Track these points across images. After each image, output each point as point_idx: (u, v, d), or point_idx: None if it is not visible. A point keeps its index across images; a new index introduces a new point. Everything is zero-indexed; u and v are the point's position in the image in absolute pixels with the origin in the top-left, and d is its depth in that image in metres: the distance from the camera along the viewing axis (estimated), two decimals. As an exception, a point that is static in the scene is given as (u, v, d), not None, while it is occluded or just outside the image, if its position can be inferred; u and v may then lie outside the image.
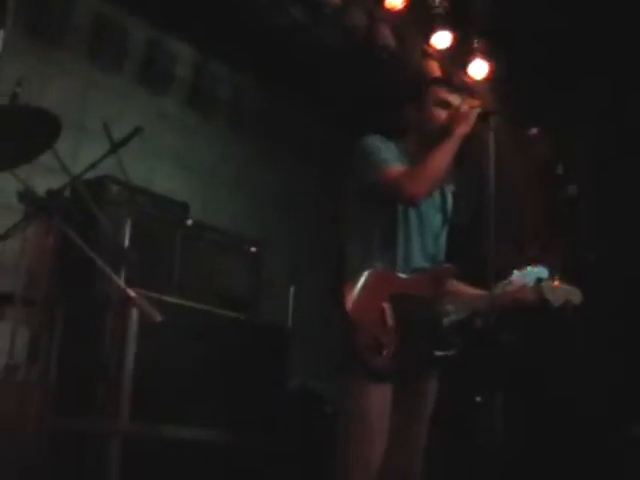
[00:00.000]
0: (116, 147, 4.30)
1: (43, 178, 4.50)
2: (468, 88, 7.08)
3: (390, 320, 3.54)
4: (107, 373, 4.60)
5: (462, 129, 3.71)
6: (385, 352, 3.49)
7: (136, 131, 4.21)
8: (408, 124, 3.95)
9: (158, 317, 3.41)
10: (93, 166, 4.16)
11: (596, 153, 7.83)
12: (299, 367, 5.91)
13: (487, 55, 7.24)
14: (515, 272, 3.78)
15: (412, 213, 3.78)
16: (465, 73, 7.28)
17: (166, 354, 4.87)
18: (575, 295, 3.80)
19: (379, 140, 3.81)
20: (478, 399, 6.71)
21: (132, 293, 3.43)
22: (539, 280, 3.76)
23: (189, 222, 5.58)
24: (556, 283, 3.78)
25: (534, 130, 7.90)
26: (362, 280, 3.60)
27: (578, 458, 6.81)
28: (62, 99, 5.97)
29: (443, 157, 3.69)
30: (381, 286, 3.62)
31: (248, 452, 5.26)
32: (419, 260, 3.77)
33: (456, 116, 3.79)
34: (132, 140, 4.18)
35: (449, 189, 4.02)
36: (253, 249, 6.03)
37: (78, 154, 5.77)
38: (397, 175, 3.65)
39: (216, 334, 5.25)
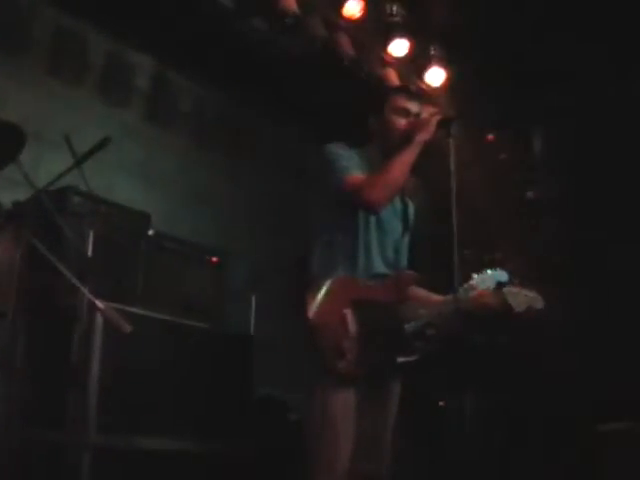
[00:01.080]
0: (84, 158, 4.30)
1: (6, 190, 4.50)
2: (427, 95, 7.16)
3: (352, 326, 3.58)
4: (74, 384, 4.58)
5: (422, 136, 3.75)
6: (348, 357, 3.53)
7: (104, 142, 4.21)
8: (369, 132, 3.99)
9: (127, 328, 3.41)
10: (59, 177, 4.17)
11: (557, 156, 7.92)
12: (263, 375, 5.92)
13: (444, 62, 7.32)
14: (475, 276, 3.81)
15: (373, 220, 3.82)
16: (423, 81, 7.35)
17: (132, 365, 4.86)
18: (537, 301, 3.84)
19: (341, 148, 3.85)
20: (441, 404, 6.76)
21: (99, 304, 3.43)
22: (499, 284, 3.80)
23: (151, 232, 5.57)
24: (518, 288, 3.83)
25: (490, 136, 7.98)
26: (325, 287, 3.63)
27: (544, 459, 6.89)
28: (22, 111, 5.95)
29: (403, 164, 3.72)
30: (343, 293, 3.65)
31: (214, 461, 5.26)
32: (380, 267, 3.81)
33: (416, 123, 3.84)
34: (98, 151, 4.19)
35: (410, 197, 4.06)
36: (215, 258, 6.04)
37: (39, 166, 5.76)
38: (358, 182, 3.69)
39: (181, 344, 5.25)
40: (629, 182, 7.27)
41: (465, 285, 3.77)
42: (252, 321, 6.12)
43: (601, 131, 7.42)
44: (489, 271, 3.83)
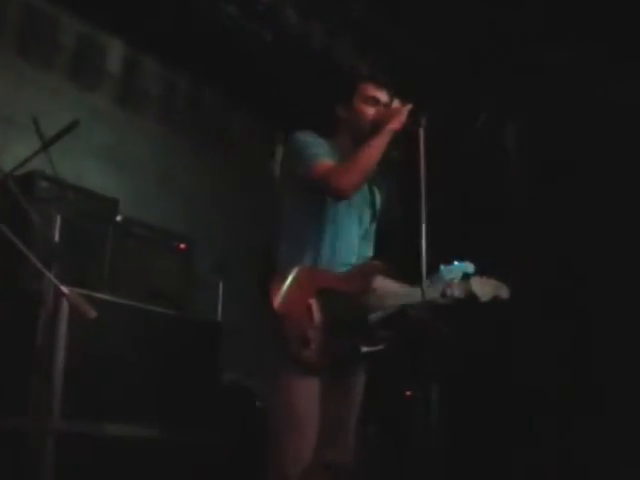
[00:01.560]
0: (50, 142, 4.26)
1: (-28, 173, 4.45)
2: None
3: (317, 315, 3.58)
4: (38, 370, 4.56)
5: (392, 125, 3.75)
6: (312, 347, 3.53)
7: (72, 125, 4.18)
8: (338, 121, 3.99)
9: (93, 314, 3.39)
10: (26, 161, 4.13)
11: (525, 148, 7.97)
12: (230, 362, 5.92)
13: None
14: (442, 267, 3.82)
15: (342, 209, 3.81)
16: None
17: (98, 351, 4.84)
18: (503, 290, 3.86)
19: (310, 135, 3.84)
20: (409, 393, 6.79)
21: (65, 289, 3.41)
22: (466, 275, 3.81)
23: (119, 218, 5.55)
24: (484, 278, 3.84)
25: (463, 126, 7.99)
26: (290, 276, 3.63)
27: (512, 448, 6.95)
28: (-10, 93, 5.92)
29: (372, 152, 3.72)
30: (309, 282, 3.66)
31: (181, 448, 5.26)
32: (347, 256, 3.81)
33: (385, 113, 3.83)
34: (66, 134, 4.15)
35: (378, 186, 4.06)
36: (183, 245, 6.02)
37: (6, 149, 5.73)
38: (327, 169, 3.68)
39: (147, 330, 5.23)
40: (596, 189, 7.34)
41: (432, 276, 3.77)
42: (219, 308, 6.12)
43: (572, 131, 7.48)
44: (456, 262, 3.84)
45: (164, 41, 6.94)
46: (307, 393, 3.57)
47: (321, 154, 3.74)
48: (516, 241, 7.53)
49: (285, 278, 3.62)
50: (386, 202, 4.13)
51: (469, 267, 3.81)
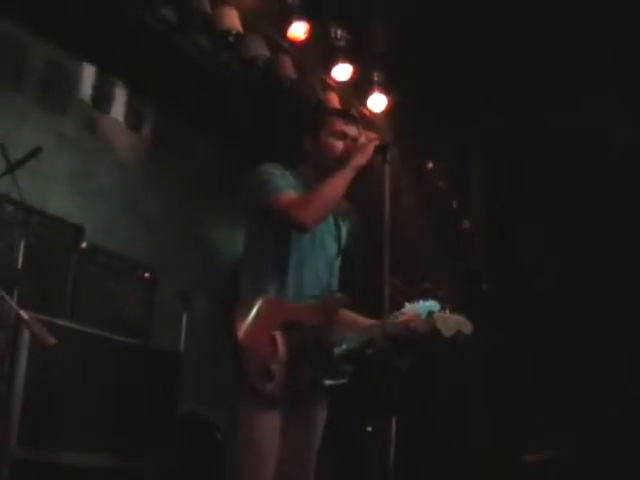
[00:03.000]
0: (15, 166, 4.26)
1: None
2: (366, 120, 7.20)
3: (281, 348, 3.57)
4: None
5: (358, 160, 3.76)
6: (276, 380, 3.52)
7: (35, 151, 4.17)
8: (305, 154, 3.99)
9: (51, 340, 3.37)
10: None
11: (488, 187, 8.05)
12: (191, 393, 5.89)
13: (386, 89, 7.38)
14: (407, 304, 3.82)
15: (306, 241, 3.81)
16: (364, 106, 7.40)
17: (57, 378, 4.80)
18: (466, 326, 3.86)
19: (275, 168, 3.84)
20: (369, 429, 6.77)
21: (25, 315, 3.38)
22: (431, 313, 3.81)
23: (84, 245, 5.52)
24: (447, 314, 3.85)
25: (429, 164, 8.06)
26: (254, 308, 3.62)
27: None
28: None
29: (336, 185, 3.72)
30: (273, 314, 3.64)
31: (136, 478, 5.22)
32: (312, 288, 3.80)
33: (353, 147, 3.84)
34: (29, 160, 4.14)
35: (344, 220, 4.07)
36: (147, 274, 6.00)
37: (-28, 172, 5.69)
38: (288, 201, 3.67)
39: (108, 359, 5.20)
40: (560, 211, 7.44)
41: (397, 312, 3.77)
42: (182, 339, 6.09)
43: (534, 161, 7.58)
44: (421, 301, 3.84)
45: (133, 69, 6.95)
46: (267, 426, 3.54)
47: (284, 186, 3.74)
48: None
49: (249, 309, 3.60)
50: (351, 236, 4.13)
51: (434, 306, 3.82)
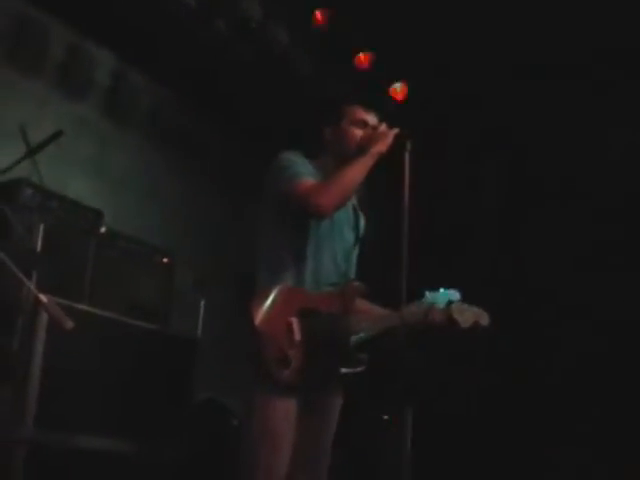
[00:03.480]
0: (35, 150, 4.27)
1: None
2: (387, 109, 7.18)
3: (297, 334, 3.58)
4: (14, 378, 4.53)
5: (377, 148, 3.75)
6: (292, 366, 3.52)
7: (56, 135, 4.18)
8: (325, 143, 4.00)
9: (69, 324, 3.37)
10: (10, 169, 4.13)
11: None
12: (207, 378, 5.90)
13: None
14: (427, 293, 3.82)
15: (324, 229, 3.81)
16: (386, 94, 7.38)
17: (75, 362, 4.82)
18: (483, 317, 3.86)
19: (295, 155, 3.84)
20: (386, 417, 6.78)
21: (44, 298, 3.39)
22: (450, 302, 3.80)
23: (102, 230, 5.54)
24: (465, 305, 3.84)
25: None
26: (272, 295, 3.62)
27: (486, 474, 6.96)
28: (-22, 100, 5.91)
29: (354, 172, 3.72)
30: (290, 301, 3.64)
31: (151, 462, 5.24)
32: (329, 276, 3.80)
33: (373, 135, 3.84)
34: (50, 144, 4.15)
35: (362, 209, 4.07)
36: (165, 259, 6.01)
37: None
38: (308, 187, 3.68)
39: (126, 343, 5.22)
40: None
41: (415, 302, 3.77)
42: (200, 324, 6.11)
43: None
44: (441, 289, 3.84)
45: (153, 55, 6.96)
46: (283, 412, 3.55)
47: (304, 173, 3.74)
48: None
49: (266, 296, 3.61)
50: (370, 225, 4.13)
51: (454, 295, 3.81)
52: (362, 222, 4.06)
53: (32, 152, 4.41)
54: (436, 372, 7.10)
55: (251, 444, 3.59)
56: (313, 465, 3.76)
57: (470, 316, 3.80)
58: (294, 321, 3.58)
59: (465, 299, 3.84)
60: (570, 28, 6.63)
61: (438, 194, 7.56)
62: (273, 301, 3.61)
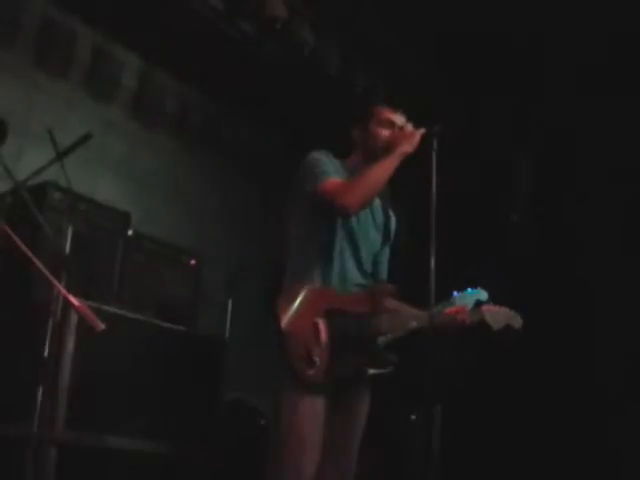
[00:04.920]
0: (65, 153, 4.28)
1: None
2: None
3: (323, 334, 3.58)
4: (44, 380, 4.55)
5: (404, 148, 3.75)
6: (318, 366, 3.52)
7: (85, 138, 4.19)
8: (353, 143, 4.00)
9: (101, 326, 3.39)
10: (39, 172, 4.14)
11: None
12: (236, 379, 5.91)
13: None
14: (455, 293, 3.81)
15: (350, 230, 3.81)
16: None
17: (104, 363, 4.84)
18: (515, 320, 3.84)
19: (324, 155, 3.85)
20: (413, 417, 6.77)
21: (75, 301, 3.41)
22: (479, 302, 3.79)
23: (130, 232, 5.56)
24: (497, 307, 3.83)
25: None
26: (300, 296, 3.63)
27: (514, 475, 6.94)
28: (6, 102, 5.93)
29: (381, 172, 3.72)
30: (317, 301, 3.64)
31: (181, 463, 5.25)
32: (355, 276, 3.80)
33: (400, 135, 3.83)
34: (79, 146, 4.16)
35: (393, 210, 4.06)
36: (192, 261, 6.03)
37: (20, 159, 5.74)
38: (335, 185, 3.68)
39: (154, 345, 5.24)
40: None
41: (444, 302, 3.76)
42: (227, 325, 6.11)
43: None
44: (469, 289, 3.82)
45: (179, 56, 6.97)
46: (311, 412, 3.55)
47: (331, 172, 3.74)
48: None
49: (294, 297, 3.62)
50: (400, 226, 4.12)
51: (482, 294, 3.81)
52: (393, 224, 4.05)
53: (62, 155, 4.42)
54: (465, 372, 7.09)
55: (279, 444, 3.59)
56: (341, 465, 3.75)
57: (502, 319, 3.79)
58: (320, 321, 3.59)
59: (494, 299, 3.83)
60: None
61: (466, 193, 7.53)
62: (300, 302, 3.61)
